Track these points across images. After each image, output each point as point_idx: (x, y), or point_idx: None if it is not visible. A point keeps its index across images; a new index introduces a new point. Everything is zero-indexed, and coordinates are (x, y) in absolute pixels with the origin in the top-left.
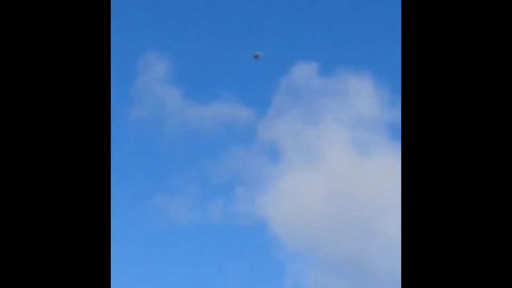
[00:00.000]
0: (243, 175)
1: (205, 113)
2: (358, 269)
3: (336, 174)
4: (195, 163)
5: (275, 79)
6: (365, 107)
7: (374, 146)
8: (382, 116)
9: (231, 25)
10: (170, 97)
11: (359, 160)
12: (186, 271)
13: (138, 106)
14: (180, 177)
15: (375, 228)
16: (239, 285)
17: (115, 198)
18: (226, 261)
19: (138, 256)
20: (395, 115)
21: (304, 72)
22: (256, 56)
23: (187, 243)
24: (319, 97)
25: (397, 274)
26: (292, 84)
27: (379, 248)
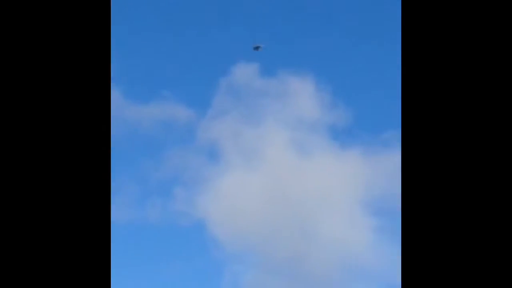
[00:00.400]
0: (182, 175)
1: (145, 112)
2: (296, 270)
3: (275, 175)
4: (134, 162)
5: (216, 79)
6: (305, 108)
7: (314, 147)
8: (322, 118)
9: (171, 24)
10: None
11: (299, 161)
12: (123, 270)
13: None
14: (118, 176)
15: (313, 229)
16: (177, 285)
17: None
18: (164, 261)
19: None
20: (337, 116)
21: (245, 73)
22: (256, 48)
23: (124, 242)
24: (260, 98)
25: (334, 275)
26: (233, 85)
27: (317, 249)
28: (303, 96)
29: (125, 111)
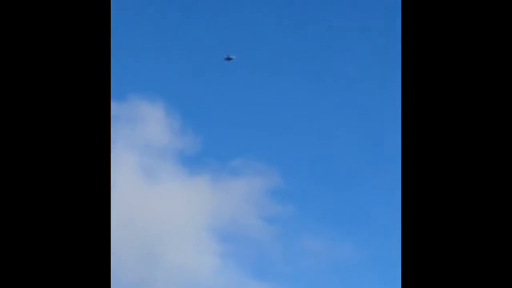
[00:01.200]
0: None
1: None
2: None
3: (123, 200)
4: None
5: None
6: (155, 134)
7: (163, 173)
8: (171, 143)
9: None
10: None
11: (147, 186)
12: None
13: None
14: None
15: (160, 255)
16: None
17: None
18: None
19: None
20: (186, 143)
21: None
22: (228, 59)
23: None
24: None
25: None
26: None
27: (164, 274)
28: (153, 121)
29: None
